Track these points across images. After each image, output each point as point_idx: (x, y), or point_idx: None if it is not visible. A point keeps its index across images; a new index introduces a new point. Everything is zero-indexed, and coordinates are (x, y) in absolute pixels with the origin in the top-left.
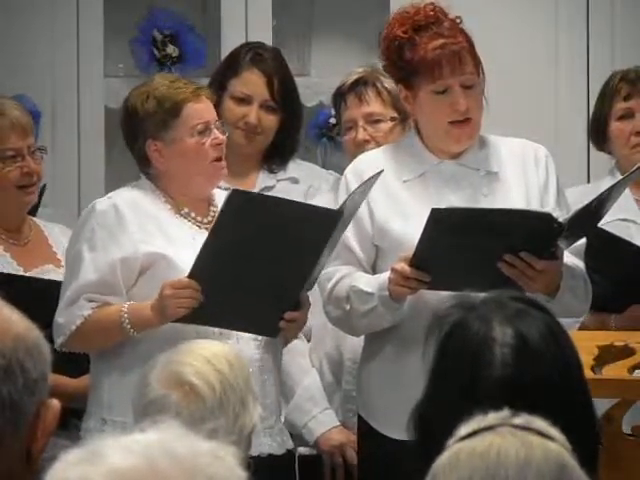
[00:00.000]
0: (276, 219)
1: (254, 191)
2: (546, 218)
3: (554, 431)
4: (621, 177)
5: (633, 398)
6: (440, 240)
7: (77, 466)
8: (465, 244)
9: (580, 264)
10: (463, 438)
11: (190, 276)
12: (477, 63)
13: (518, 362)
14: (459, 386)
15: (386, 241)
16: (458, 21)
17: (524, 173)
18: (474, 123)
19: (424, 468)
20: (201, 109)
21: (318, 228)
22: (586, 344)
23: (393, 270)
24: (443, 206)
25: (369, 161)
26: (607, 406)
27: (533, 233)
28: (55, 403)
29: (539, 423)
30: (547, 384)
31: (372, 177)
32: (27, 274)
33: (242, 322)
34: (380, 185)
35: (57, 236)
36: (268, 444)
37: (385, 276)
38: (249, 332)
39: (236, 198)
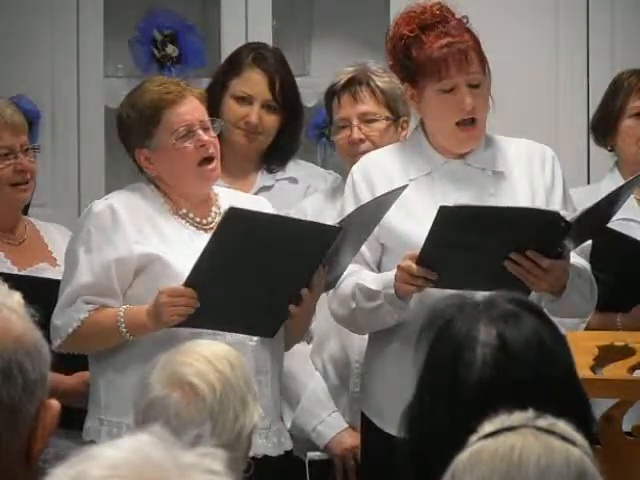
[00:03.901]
0: (273, 236)
1: (252, 209)
2: (553, 216)
3: (577, 435)
4: (630, 178)
5: (633, 398)
6: (447, 238)
7: (72, 468)
8: (472, 242)
9: (586, 264)
10: (486, 436)
11: (186, 284)
12: (483, 62)
13: (497, 364)
14: (443, 386)
15: (391, 239)
16: (465, 20)
17: (530, 173)
18: (480, 125)
19: (414, 467)
20: (183, 112)
21: (317, 242)
22: (586, 344)
23: (400, 268)
24: (450, 204)
25: (376, 160)
26: (607, 406)
27: (540, 231)
28: (55, 403)
29: (563, 426)
30: (527, 387)
31: (396, 189)
32: (22, 272)
33: (237, 324)
34: (386, 183)
35: (53, 235)
36: (263, 445)
37: (391, 274)
38: (245, 334)
39: (233, 216)
